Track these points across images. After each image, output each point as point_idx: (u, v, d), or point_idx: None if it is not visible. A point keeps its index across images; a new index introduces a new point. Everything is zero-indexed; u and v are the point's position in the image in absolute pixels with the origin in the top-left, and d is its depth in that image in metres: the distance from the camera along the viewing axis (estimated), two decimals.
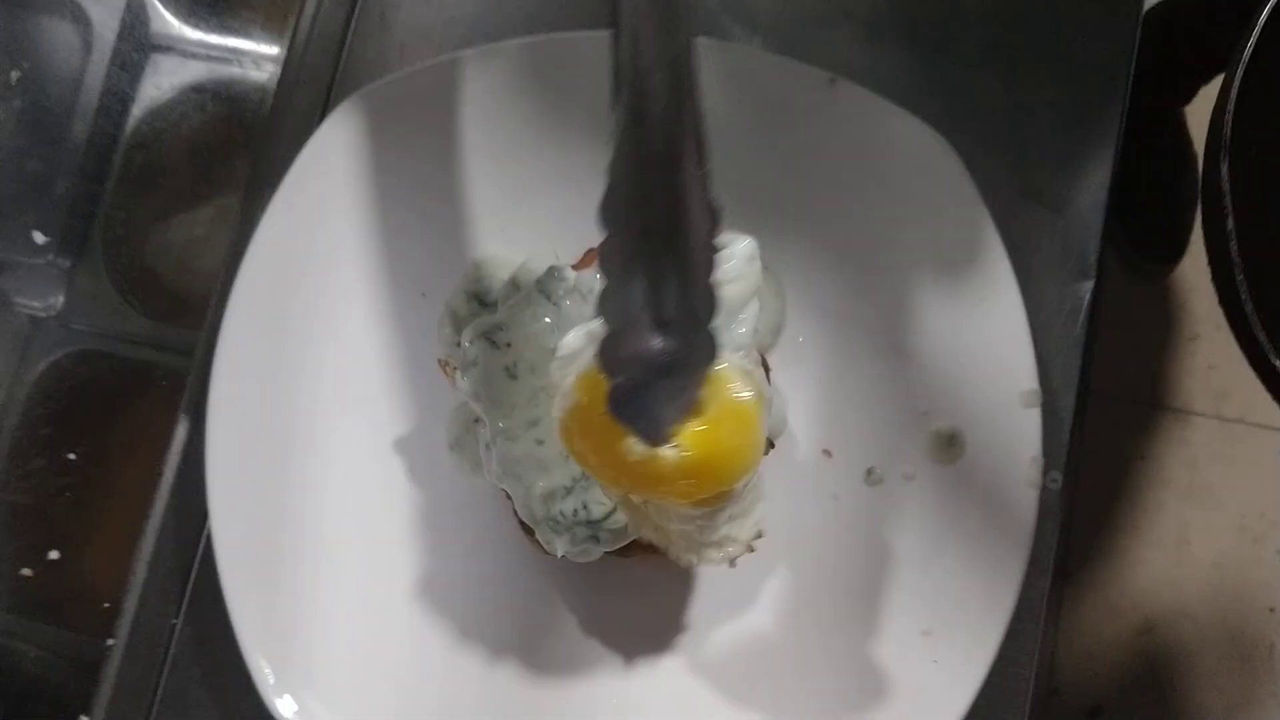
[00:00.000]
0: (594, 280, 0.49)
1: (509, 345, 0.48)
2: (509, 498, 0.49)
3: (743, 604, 0.54)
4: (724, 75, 0.54)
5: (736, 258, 0.46)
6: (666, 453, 0.40)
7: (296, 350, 0.55)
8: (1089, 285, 0.55)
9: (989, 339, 0.53)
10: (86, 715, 0.55)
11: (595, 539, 0.48)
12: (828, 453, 0.54)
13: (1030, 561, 0.51)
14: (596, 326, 0.41)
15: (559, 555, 0.48)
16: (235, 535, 0.52)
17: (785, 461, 0.54)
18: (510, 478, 0.48)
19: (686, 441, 0.40)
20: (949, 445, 0.53)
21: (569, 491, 0.47)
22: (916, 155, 0.53)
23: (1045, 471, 0.52)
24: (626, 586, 0.54)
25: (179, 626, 0.55)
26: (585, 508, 0.47)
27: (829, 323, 0.55)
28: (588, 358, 0.43)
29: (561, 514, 0.47)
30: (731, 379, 0.42)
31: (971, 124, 0.56)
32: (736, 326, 0.45)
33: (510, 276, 0.52)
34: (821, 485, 0.54)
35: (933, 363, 0.53)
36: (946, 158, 0.53)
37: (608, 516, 0.47)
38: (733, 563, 0.47)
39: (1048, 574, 0.53)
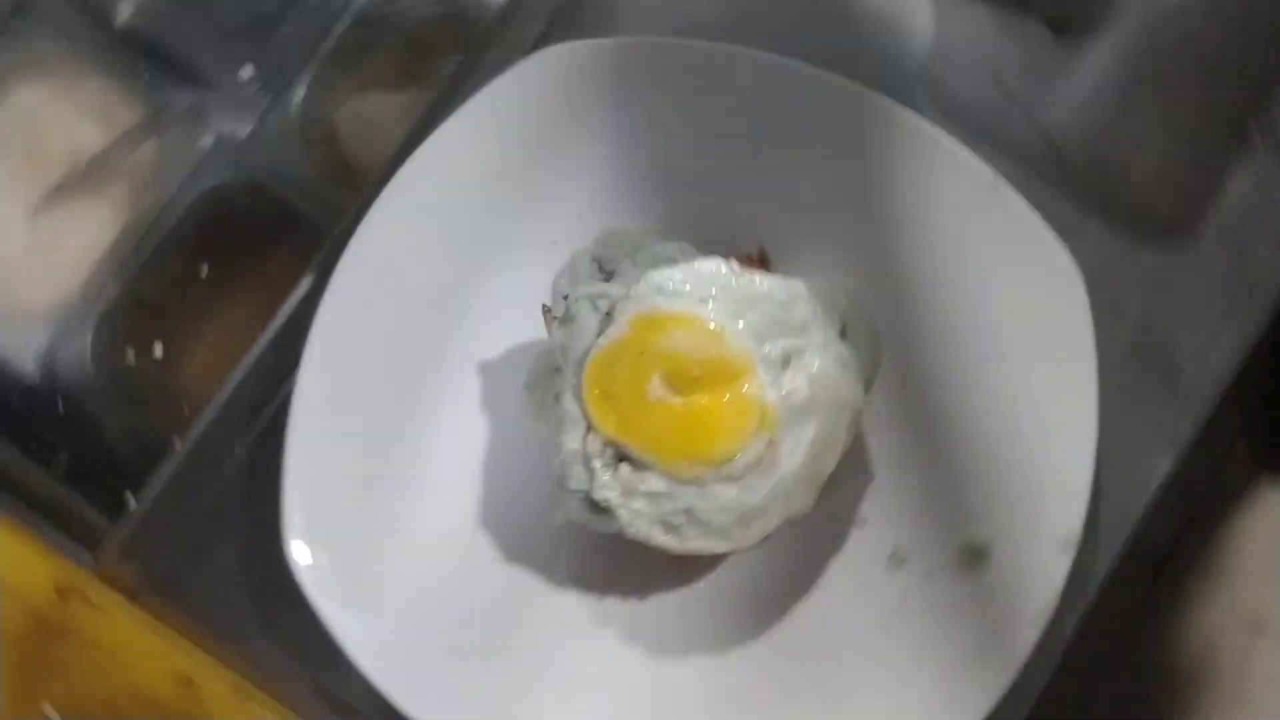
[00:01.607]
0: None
1: (608, 315, 0.52)
2: None
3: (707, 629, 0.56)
4: (889, 142, 0.57)
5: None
6: (678, 400, 0.49)
7: (422, 260, 0.59)
8: (1168, 463, 0.56)
9: (1049, 469, 0.53)
10: (133, 493, 0.61)
11: (597, 513, 0.51)
12: (862, 520, 0.56)
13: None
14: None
15: (558, 521, 0.52)
16: (313, 401, 0.56)
17: (817, 512, 0.55)
18: (558, 429, 0.51)
19: (696, 399, 0.49)
20: (976, 557, 0.54)
21: (583, 462, 0.51)
22: (1044, 276, 0.54)
23: (1052, 618, 0.52)
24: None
25: (238, 452, 0.60)
26: (589, 482, 0.51)
27: (901, 389, 0.56)
28: (652, 302, 0.50)
29: (571, 480, 0.51)
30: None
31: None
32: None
33: (632, 254, 0.55)
34: (840, 548, 0.55)
35: (989, 469, 0.54)
36: (1073, 292, 0.54)
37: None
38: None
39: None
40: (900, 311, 0.57)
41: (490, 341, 0.60)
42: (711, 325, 0.50)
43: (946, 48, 0.62)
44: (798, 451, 0.50)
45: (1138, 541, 0.56)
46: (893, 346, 0.57)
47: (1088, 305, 0.54)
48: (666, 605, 0.56)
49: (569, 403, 0.51)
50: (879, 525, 0.55)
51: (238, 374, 0.61)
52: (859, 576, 0.55)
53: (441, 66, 0.73)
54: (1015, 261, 0.55)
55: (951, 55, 0.62)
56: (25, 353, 0.70)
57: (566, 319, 0.53)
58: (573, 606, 0.56)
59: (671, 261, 0.54)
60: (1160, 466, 0.56)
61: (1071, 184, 0.59)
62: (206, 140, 0.73)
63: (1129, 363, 0.57)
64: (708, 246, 0.55)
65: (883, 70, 0.61)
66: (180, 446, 0.60)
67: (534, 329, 0.57)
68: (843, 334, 0.55)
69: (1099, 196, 0.59)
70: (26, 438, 0.67)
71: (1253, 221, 0.58)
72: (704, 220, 0.58)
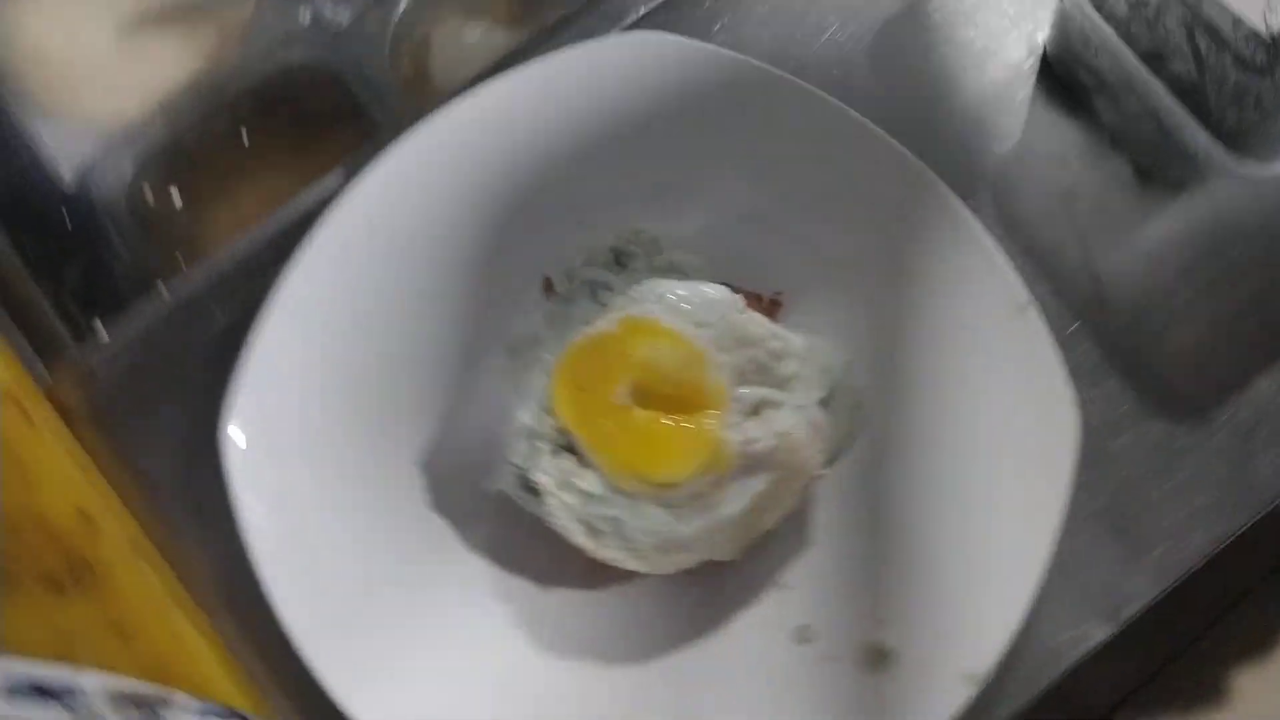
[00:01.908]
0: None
1: (603, 306, 0.51)
2: None
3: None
4: (936, 229, 0.56)
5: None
6: (640, 411, 0.48)
7: (438, 205, 0.58)
8: (1105, 631, 0.54)
9: (979, 600, 0.52)
10: (104, 325, 0.61)
11: (528, 492, 0.51)
12: (782, 585, 0.55)
13: None
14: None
15: (490, 487, 0.51)
16: (291, 305, 0.56)
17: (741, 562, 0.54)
18: (518, 399, 0.51)
19: (658, 417, 0.49)
20: (880, 660, 0.53)
21: (531, 439, 0.50)
22: (1041, 416, 0.53)
23: None
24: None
25: (218, 319, 0.60)
26: (530, 461, 0.50)
27: (865, 471, 0.56)
28: (649, 310, 0.50)
29: (514, 452, 0.50)
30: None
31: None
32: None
33: (650, 256, 0.55)
34: (753, 604, 0.54)
35: (919, 582, 0.53)
36: (1064, 441, 0.53)
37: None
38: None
39: None
40: (889, 397, 0.56)
41: (480, 299, 0.59)
42: (697, 350, 0.49)
43: (1027, 158, 0.61)
44: (740, 500, 0.50)
45: (1066, 699, 0.56)
46: (871, 428, 0.56)
47: (1074, 459, 0.52)
48: (568, 601, 0.55)
49: (537, 377, 0.51)
50: (798, 595, 0.54)
51: (239, 245, 0.61)
52: (762, 638, 0.54)
53: (548, 15, 0.73)
54: (1019, 391, 0.54)
55: (1030, 167, 0.60)
56: (65, 158, 0.71)
57: (564, 297, 0.52)
58: (479, 572, 0.55)
59: (683, 276, 0.54)
60: (1096, 633, 0.54)
61: (1105, 330, 0.58)
62: (304, 18, 0.74)
63: (1100, 521, 0.56)
64: (727, 272, 0.55)
65: (957, 160, 0.60)
66: (164, 294, 0.61)
67: (528, 299, 0.57)
68: (825, 401, 0.54)
69: (1127, 352, 0.58)
70: (26, 234, 0.67)
71: (1268, 428, 0.57)
72: (734, 247, 0.58)
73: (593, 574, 0.53)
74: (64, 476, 0.55)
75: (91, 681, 0.52)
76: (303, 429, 0.56)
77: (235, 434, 0.54)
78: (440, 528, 0.56)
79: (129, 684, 0.52)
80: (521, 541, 0.55)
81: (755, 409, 0.50)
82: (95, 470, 0.57)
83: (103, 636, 0.54)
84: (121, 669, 0.52)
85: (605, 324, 0.50)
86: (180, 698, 0.52)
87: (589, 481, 0.49)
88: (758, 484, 0.50)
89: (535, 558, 0.55)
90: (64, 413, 0.59)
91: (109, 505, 0.56)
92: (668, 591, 0.54)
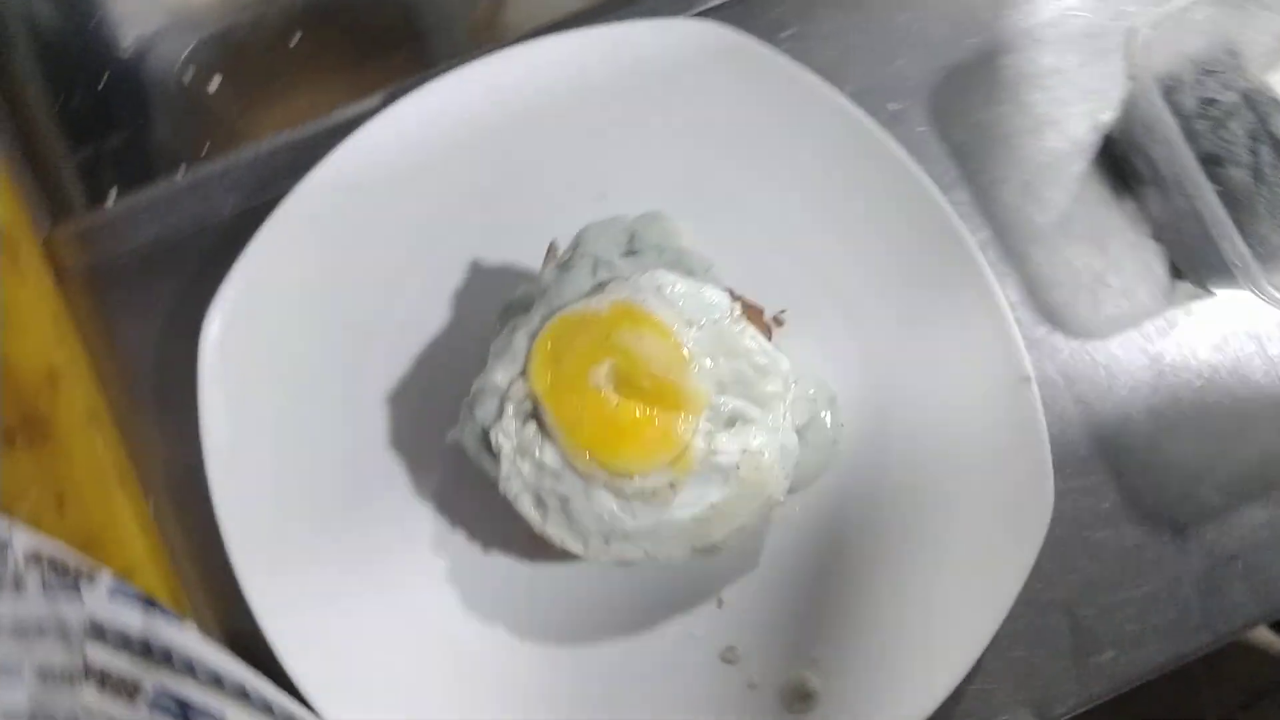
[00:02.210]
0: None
1: (601, 285, 0.50)
2: None
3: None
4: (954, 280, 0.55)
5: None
6: (613, 396, 0.47)
7: (454, 152, 0.58)
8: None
9: (908, 670, 0.51)
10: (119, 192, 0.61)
11: (486, 451, 0.50)
12: (720, 601, 0.54)
13: None
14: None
15: (449, 439, 0.51)
16: (284, 229, 0.56)
17: (684, 568, 0.54)
18: (496, 357, 0.50)
19: (630, 405, 0.47)
20: (800, 700, 0.52)
21: (500, 399, 0.49)
22: (1017, 496, 0.53)
23: None
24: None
25: (229, 213, 0.60)
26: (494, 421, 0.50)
27: (829, 509, 0.55)
28: (645, 299, 0.48)
29: (480, 409, 0.50)
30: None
31: None
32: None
33: (661, 245, 0.54)
34: (686, 613, 0.54)
35: (854, 637, 0.53)
36: (1031, 532, 0.52)
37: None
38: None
39: None
40: (870, 440, 0.55)
41: (485, 252, 0.58)
42: (684, 350, 0.48)
43: (1066, 233, 0.59)
44: (693, 506, 0.49)
45: None
46: (844, 466, 0.55)
47: (1040, 540, 0.52)
48: (505, 568, 0.55)
49: (519, 340, 0.50)
50: (732, 615, 0.54)
51: (265, 145, 0.60)
52: (688, 651, 0.53)
53: None
54: (1000, 463, 0.53)
55: (1066, 243, 0.59)
56: (129, 26, 0.71)
57: (565, 265, 0.51)
58: (422, 520, 0.55)
59: (688, 274, 0.53)
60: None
61: (1102, 424, 0.57)
62: None
63: (1056, 611, 0.55)
64: (736, 279, 0.54)
65: (998, 220, 0.59)
66: (181, 177, 0.60)
67: (533, 265, 0.56)
68: (801, 430, 0.53)
69: (1121, 450, 0.57)
70: (70, 88, 0.67)
71: (1247, 560, 0.56)
72: (749, 257, 0.57)
73: (534, 546, 0.53)
74: (39, 330, 0.55)
75: (22, 539, 0.52)
76: (282, 339, 0.56)
77: (216, 327, 0.54)
78: (394, 468, 0.56)
79: (58, 549, 0.52)
80: (469, 498, 0.55)
81: (729, 421, 0.49)
82: (73, 333, 0.57)
83: (42, 497, 0.53)
84: (51, 534, 0.53)
85: (597, 302, 0.49)
86: (104, 575, 0.52)
87: (547, 454, 0.48)
88: (714, 495, 0.49)
89: (480, 518, 0.55)
90: (56, 270, 0.58)
91: (78, 370, 0.56)
92: (605, 581, 0.54)
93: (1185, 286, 0.58)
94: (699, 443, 0.48)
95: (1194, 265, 0.57)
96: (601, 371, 0.48)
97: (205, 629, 0.55)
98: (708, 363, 0.48)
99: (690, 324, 0.49)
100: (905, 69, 0.61)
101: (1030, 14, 0.62)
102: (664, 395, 0.48)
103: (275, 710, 0.50)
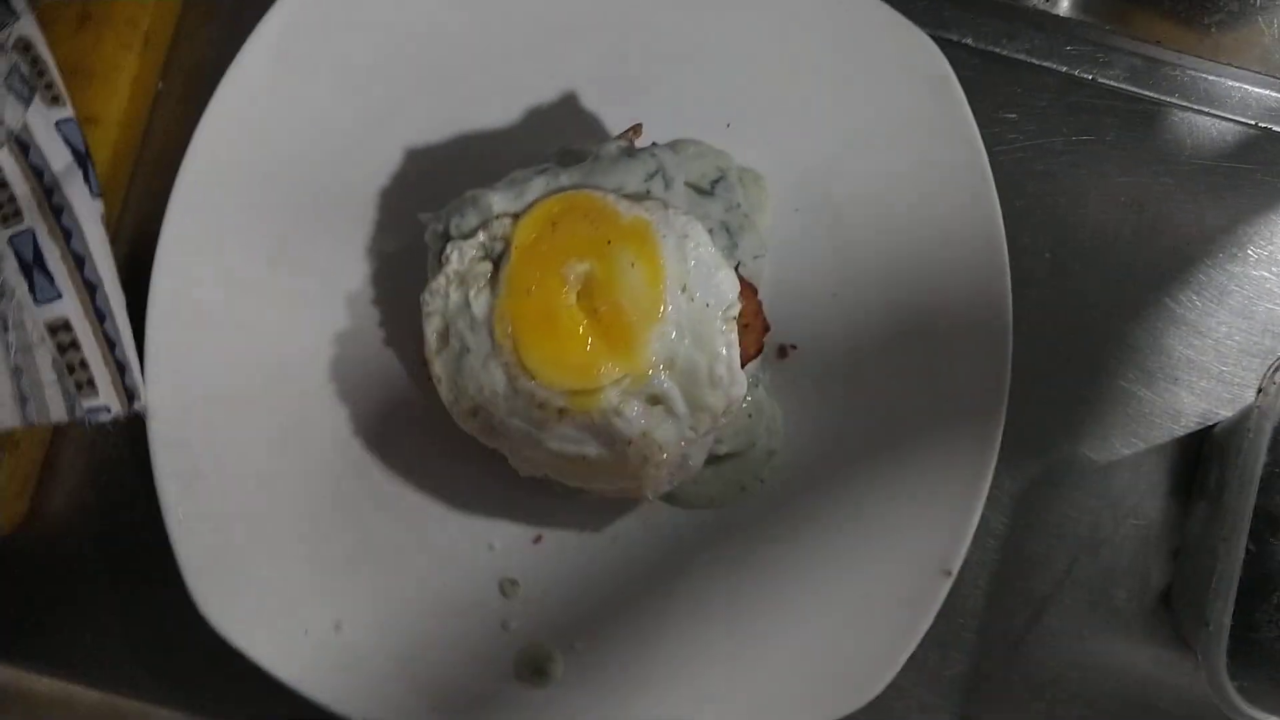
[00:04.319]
0: None
1: (645, 193, 0.46)
2: None
3: None
4: None
5: None
6: (569, 299, 0.44)
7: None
8: None
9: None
10: None
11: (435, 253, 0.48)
12: (538, 538, 0.51)
13: None
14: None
15: (419, 218, 0.49)
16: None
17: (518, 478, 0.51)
18: (510, 185, 0.47)
19: (579, 316, 0.44)
20: (537, 671, 0.49)
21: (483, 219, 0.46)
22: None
23: None
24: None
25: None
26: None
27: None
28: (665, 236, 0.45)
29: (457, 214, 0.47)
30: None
31: None
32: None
33: (735, 203, 0.50)
34: (495, 532, 0.51)
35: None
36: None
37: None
38: None
39: None
40: (778, 519, 0.51)
41: (574, 83, 0.54)
42: (660, 304, 0.44)
43: (1110, 508, 0.54)
44: (563, 443, 0.45)
45: None
46: (737, 519, 0.51)
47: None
48: (387, 365, 0.52)
49: (537, 185, 0.46)
50: (537, 556, 0.51)
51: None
52: (476, 555, 0.51)
53: None
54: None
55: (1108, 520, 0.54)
56: None
57: (631, 150, 0.47)
58: (353, 274, 0.53)
59: (731, 247, 0.48)
60: None
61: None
62: None
63: None
64: (776, 290, 0.51)
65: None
66: None
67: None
68: (720, 458, 0.50)
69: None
70: None
71: None
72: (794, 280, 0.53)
73: (419, 360, 0.50)
74: None
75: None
76: (352, 33, 0.53)
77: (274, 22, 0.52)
78: (367, 208, 0.53)
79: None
80: (408, 281, 0.51)
81: (653, 399, 0.45)
82: None
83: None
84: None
85: (626, 207, 0.45)
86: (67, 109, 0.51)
87: (480, 300, 0.45)
88: (591, 450, 0.45)
89: (402, 300, 0.51)
90: None
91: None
92: (452, 436, 0.49)
93: (1165, 620, 0.53)
94: (612, 395, 0.45)
95: (1185, 599, 0.51)
96: (578, 269, 0.44)
97: (122, 218, 0.54)
98: (672, 334, 0.45)
99: (685, 290, 0.45)
100: (1079, 225, 0.55)
101: (1238, 271, 0.55)
102: (614, 331, 0.44)
103: (106, 326, 0.48)
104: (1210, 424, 0.53)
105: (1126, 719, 0.52)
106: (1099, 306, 0.55)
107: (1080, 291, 0.55)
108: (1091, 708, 0.52)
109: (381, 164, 0.53)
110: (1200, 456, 0.53)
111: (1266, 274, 0.55)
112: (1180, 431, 0.54)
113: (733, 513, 0.51)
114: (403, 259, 0.52)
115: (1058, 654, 0.52)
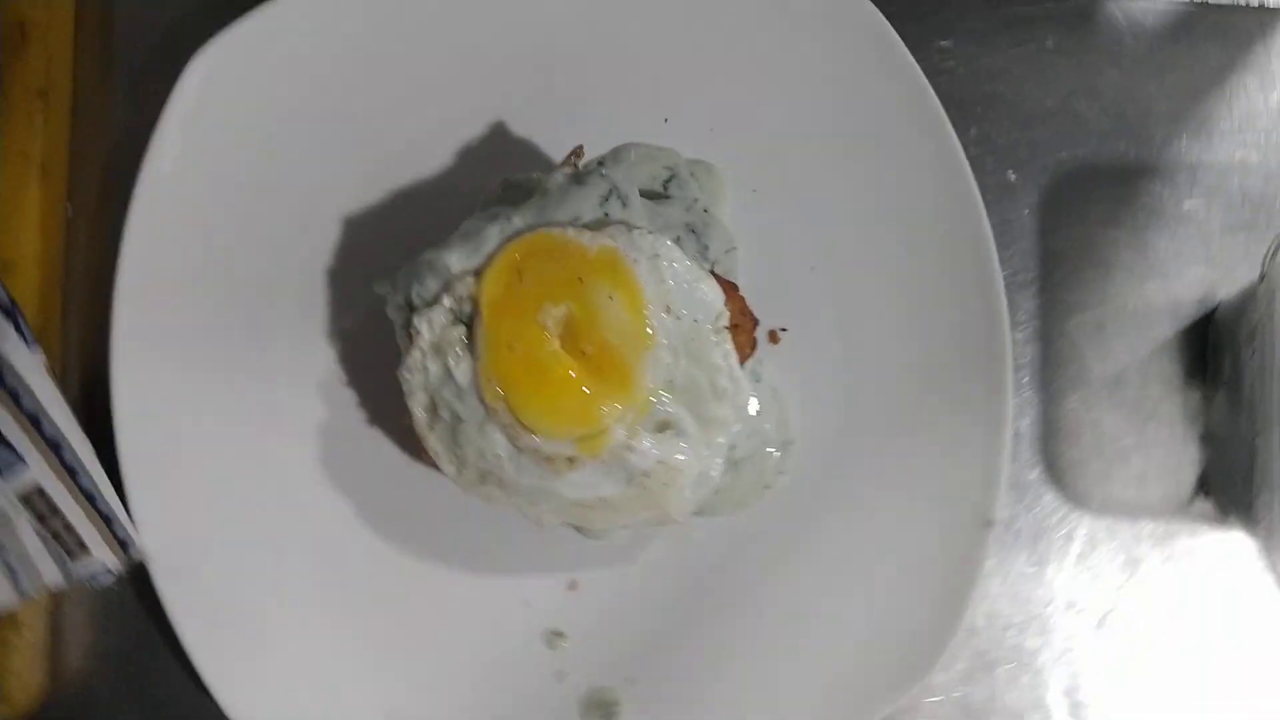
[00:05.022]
0: None
1: (604, 216, 0.44)
2: None
3: None
4: None
5: None
6: (554, 345, 0.42)
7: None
8: None
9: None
10: None
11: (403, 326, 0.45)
12: (573, 584, 0.50)
13: None
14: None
15: (376, 288, 0.47)
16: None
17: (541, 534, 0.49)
18: (463, 237, 0.44)
19: (567, 361, 0.42)
20: (604, 714, 0.49)
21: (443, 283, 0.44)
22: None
23: None
24: None
25: None
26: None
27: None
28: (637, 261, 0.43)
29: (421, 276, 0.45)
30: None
31: None
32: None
33: (692, 199, 0.48)
34: (529, 579, 0.50)
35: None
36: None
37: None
38: None
39: None
40: (808, 503, 0.50)
41: (501, 114, 0.52)
42: (647, 334, 0.42)
43: (1114, 389, 0.53)
44: (582, 490, 0.44)
45: None
46: (766, 515, 0.50)
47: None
48: (373, 444, 0.50)
49: (492, 233, 0.44)
50: (577, 601, 0.50)
51: None
52: (515, 614, 0.50)
53: None
54: (922, 592, 0.49)
55: (1110, 402, 0.53)
56: None
57: (579, 177, 0.45)
58: (313, 366, 0.50)
59: (703, 248, 0.47)
60: None
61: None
62: None
63: None
64: (753, 269, 0.49)
65: (1055, 351, 0.53)
66: None
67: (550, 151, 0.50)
68: (737, 460, 0.48)
69: None
70: None
71: None
72: (777, 253, 0.51)
73: (411, 441, 0.48)
74: None
75: None
76: (270, 104, 0.50)
77: (203, 67, 0.49)
78: (319, 288, 0.51)
79: None
80: (371, 360, 0.50)
81: (661, 425, 0.43)
82: None
83: None
84: None
85: (589, 239, 0.43)
86: None
87: (461, 367, 0.43)
88: (610, 489, 0.44)
89: (376, 375, 0.50)
90: None
91: (54, 35, 0.50)
92: (466, 506, 0.48)
93: (1204, 507, 0.52)
94: (618, 432, 0.43)
95: (1224, 493, 0.51)
96: (555, 313, 0.42)
97: (66, 363, 0.51)
98: (667, 358, 0.43)
99: (669, 310, 0.43)
100: (1043, 142, 0.54)
101: (1203, 149, 0.54)
102: (605, 368, 0.43)
103: (80, 481, 0.46)
104: (1210, 309, 0.53)
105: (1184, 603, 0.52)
106: (1073, 217, 0.53)
107: (1050, 205, 0.53)
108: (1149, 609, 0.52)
109: (320, 239, 0.51)
110: (1208, 343, 0.52)
111: (1232, 147, 0.54)
112: (1181, 324, 0.53)
113: (763, 509, 0.50)
114: (365, 334, 0.50)
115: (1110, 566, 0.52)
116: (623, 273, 0.43)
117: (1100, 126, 0.54)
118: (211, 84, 0.49)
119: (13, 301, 0.47)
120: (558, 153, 0.49)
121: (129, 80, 0.52)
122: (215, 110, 0.50)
